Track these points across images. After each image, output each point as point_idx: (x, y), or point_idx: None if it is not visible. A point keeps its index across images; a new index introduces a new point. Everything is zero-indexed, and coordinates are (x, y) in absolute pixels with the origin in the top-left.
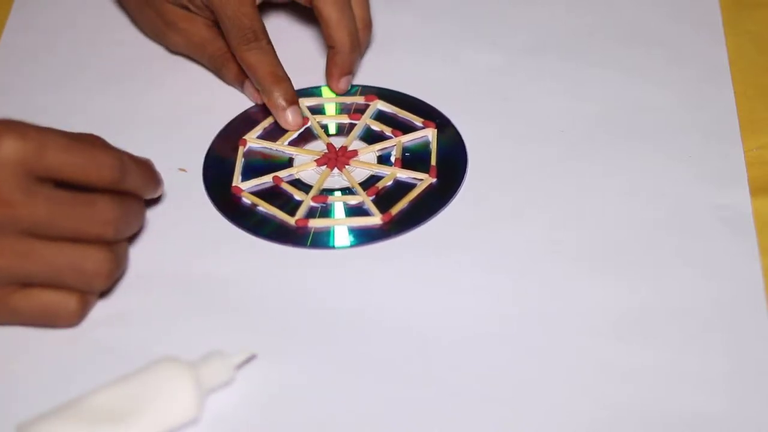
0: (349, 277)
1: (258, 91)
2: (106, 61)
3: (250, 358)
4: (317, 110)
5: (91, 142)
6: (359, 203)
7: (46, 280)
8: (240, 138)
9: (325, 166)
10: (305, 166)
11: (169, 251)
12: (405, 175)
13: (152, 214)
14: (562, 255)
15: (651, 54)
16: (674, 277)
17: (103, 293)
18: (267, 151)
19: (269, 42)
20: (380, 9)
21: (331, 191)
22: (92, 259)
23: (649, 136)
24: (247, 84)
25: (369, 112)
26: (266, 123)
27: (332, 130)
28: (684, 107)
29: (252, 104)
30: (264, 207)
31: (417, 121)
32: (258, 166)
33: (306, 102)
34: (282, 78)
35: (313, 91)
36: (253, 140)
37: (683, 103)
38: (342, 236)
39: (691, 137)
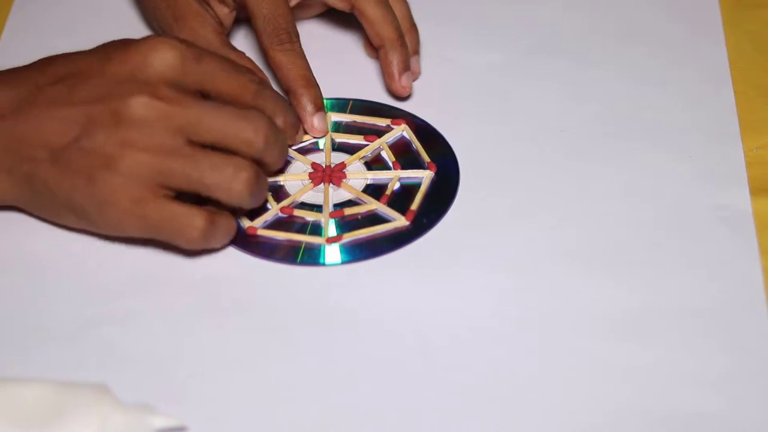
0: (348, 278)
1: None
2: None
3: (178, 428)
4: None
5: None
6: (369, 212)
7: (185, 183)
8: None
9: (318, 183)
10: (295, 176)
11: (169, 251)
12: (406, 174)
13: None
14: (561, 255)
15: (651, 54)
16: (674, 277)
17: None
18: None
19: (301, 45)
20: None
21: (317, 207)
22: (234, 164)
23: (649, 136)
24: None
25: (388, 137)
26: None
27: (340, 147)
28: (684, 107)
29: None
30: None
31: (426, 158)
32: None
33: (334, 117)
34: (312, 83)
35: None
36: None
37: (683, 103)
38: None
39: (691, 137)
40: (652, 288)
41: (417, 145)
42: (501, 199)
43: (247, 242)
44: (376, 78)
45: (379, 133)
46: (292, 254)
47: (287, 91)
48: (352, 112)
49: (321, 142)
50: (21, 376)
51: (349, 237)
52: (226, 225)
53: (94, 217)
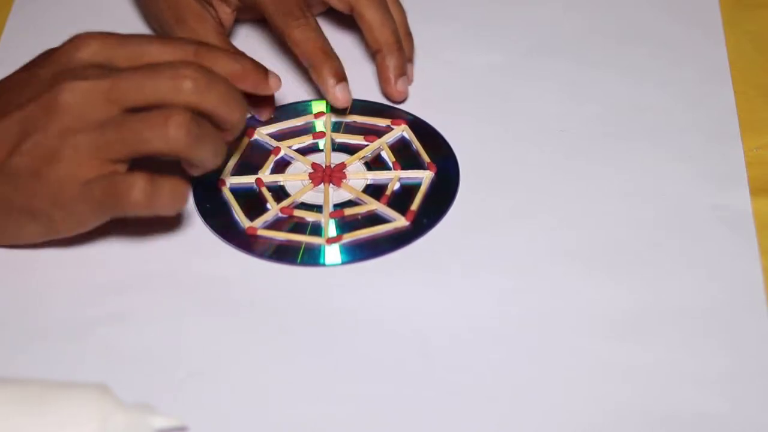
0: (348, 277)
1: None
2: None
3: (178, 428)
4: (338, 127)
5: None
6: (369, 212)
7: (125, 148)
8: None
9: (318, 184)
10: (295, 176)
11: (169, 251)
12: (406, 174)
13: None
14: (561, 255)
15: (651, 54)
16: (674, 277)
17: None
18: (269, 146)
19: (315, 18)
20: None
21: (317, 207)
22: (164, 112)
23: (649, 136)
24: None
25: (388, 137)
26: (283, 125)
27: (340, 147)
28: (684, 107)
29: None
30: (234, 206)
31: (425, 158)
32: (254, 164)
33: (334, 117)
34: (330, 54)
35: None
36: (261, 134)
37: (683, 103)
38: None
39: (691, 137)
40: (652, 288)
41: (417, 145)
42: (501, 199)
43: (247, 242)
44: (376, 78)
45: (379, 133)
46: (292, 254)
47: (308, 67)
48: (352, 112)
49: (321, 143)
50: (21, 375)
51: (349, 237)
52: (172, 185)
53: (53, 214)
